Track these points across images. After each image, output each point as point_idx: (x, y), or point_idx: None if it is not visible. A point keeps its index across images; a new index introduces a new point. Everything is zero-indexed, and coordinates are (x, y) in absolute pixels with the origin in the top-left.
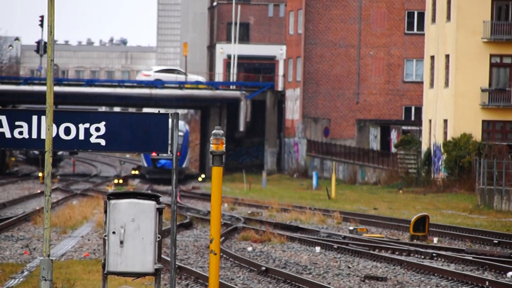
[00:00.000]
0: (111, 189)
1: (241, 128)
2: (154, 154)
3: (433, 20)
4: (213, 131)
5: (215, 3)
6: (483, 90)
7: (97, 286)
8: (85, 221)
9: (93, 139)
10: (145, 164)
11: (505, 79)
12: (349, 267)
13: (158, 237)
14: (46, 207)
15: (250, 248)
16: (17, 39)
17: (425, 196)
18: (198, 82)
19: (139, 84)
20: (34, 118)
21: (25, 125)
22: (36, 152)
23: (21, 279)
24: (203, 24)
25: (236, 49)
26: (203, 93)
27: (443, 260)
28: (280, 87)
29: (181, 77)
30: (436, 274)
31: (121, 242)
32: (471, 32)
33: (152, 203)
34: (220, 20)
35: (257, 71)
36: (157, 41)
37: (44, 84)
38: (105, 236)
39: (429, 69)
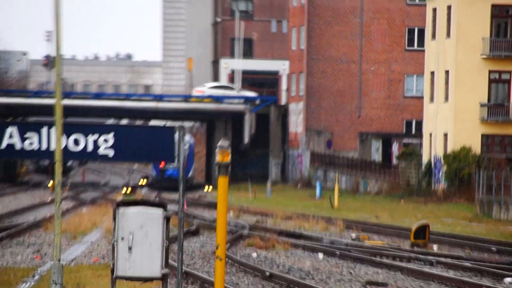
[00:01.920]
0: (119, 198)
1: (246, 140)
2: (162, 164)
3: (433, 36)
4: (219, 143)
5: (219, 19)
6: (482, 105)
7: None
8: (95, 227)
9: (101, 150)
10: (154, 174)
11: (503, 94)
12: (351, 273)
13: (166, 243)
14: (57, 214)
15: (255, 254)
16: (25, 53)
17: (426, 205)
18: (248, 97)
19: (145, 98)
20: (44, 130)
21: (35, 136)
22: (46, 162)
23: (32, 283)
24: (208, 40)
25: (240, 64)
26: (208, 106)
27: (442, 266)
28: (283, 101)
29: (232, 93)
30: (435, 280)
31: (130, 248)
32: (470, 49)
33: (159, 211)
34: (224, 35)
35: (261, 86)
36: (163, 55)
37: (53, 97)
38: (114, 242)
39: (429, 84)
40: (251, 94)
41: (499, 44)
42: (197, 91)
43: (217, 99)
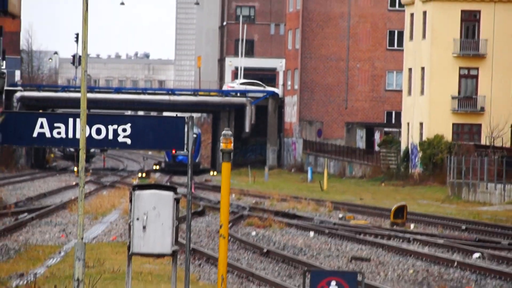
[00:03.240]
0: (135, 182)
1: (247, 130)
2: (173, 151)
3: (411, 38)
4: (223, 132)
5: (224, 23)
6: (453, 98)
7: (123, 265)
8: (113, 209)
9: (120, 139)
10: (166, 159)
11: (472, 88)
12: (338, 250)
13: (175, 223)
14: (80, 197)
15: (254, 233)
16: (55, 53)
17: (404, 188)
18: (269, 92)
19: (159, 92)
20: (70, 120)
21: (62, 126)
22: (72, 149)
23: (58, 259)
24: (215, 40)
25: (243, 62)
26: (214, 99)
27: (418, 243)
28: (280, 94)
29: (258, 88)
30: (412, 256)
31: (144, 227)
32: (443, 48)
33: (170, 193)
34: (229, 37)
35: (260, 81)
36: (175, 54)
37: (79, 91)
38: (130, 222)
39: (407, 79)
40: (273, 89)
41: (468, 44)
42: (229, 86)
43: (245, 92)
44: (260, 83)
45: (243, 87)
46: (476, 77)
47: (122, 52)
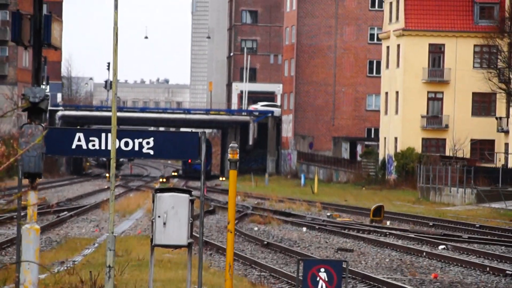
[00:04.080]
0: (157, 186)
1: (250, 143)
2: (189, 160)
3: (387, 66)
4: (230, 145)
5: (231, 54)
6: (422, 117)
7: (147, 255)
8: (139, 208)
9: (144, 150)
10: (183, 167)
11: (438, 109)
12: (326, 242)
13: (190, 220)
14: (111, 198)
15: (256, 228)
16: (90, 78)
17: (381, 191)
18: (269, 112)
19: (177, 111)
20: (103, 135)
21: (96, 140)
22: (104, 159)
23: (93, 249)
24: (223, 68)
25: (247, 86)
26: (223, 117)
27: (393, 237)
28: (278, 113)
29: (276, 109)
30: (388, 247)
31: (164, 223)
32: (414, 75)
33: (186, 196)
34: (235, 65)
35: (265, 107)
36: (191, 80)
37: (110, 111)
38: (153, 219)
39: (384, 101)
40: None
41: (435, 72)
42: (253, 108)
43: (265, 112)
44: (277, 104)
45: (264, 108)
46: (441, 99)
47: (146, 78)
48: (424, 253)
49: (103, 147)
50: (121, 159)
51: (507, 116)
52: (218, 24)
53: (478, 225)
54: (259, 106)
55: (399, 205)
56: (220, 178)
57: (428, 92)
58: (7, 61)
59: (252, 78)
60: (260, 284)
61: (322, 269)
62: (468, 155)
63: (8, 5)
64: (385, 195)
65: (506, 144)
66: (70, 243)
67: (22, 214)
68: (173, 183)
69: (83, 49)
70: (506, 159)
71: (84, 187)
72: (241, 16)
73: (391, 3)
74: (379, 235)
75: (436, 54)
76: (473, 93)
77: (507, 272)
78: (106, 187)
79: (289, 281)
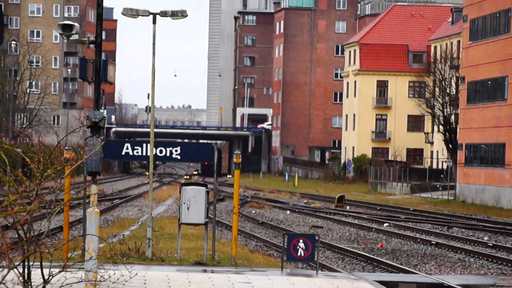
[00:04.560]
0: (183, 181)
1: (249, 150)
2: (206, 163)
3: (347, 96)
4: (235, 152)
5: (236, 87)
6: (372, 132)
7: (176, 230)
8: (169, 197)
9: (173, 155)
10: (202, 167)
11: (383, 126)
12: (304, 221)
13: (206, 205)
14: (150, 190)
15: (253, 211)
16: (135, 105)
17: (343, 185)
18: (263, 128)
19: (197, 128)
20: (144, 145)
21: (139, 148)
22: (145, 161)
23: (137, 226)
24: (230, 97)
25: (247, 110)
26: (230, 132)
27: (351, 217)
28: (269, 129)
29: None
30: (347, 225)
31: (188, 208)
32: (366, 103)
33: (203, 188)
34: (238, 95)
35: (257, 122)
36: (207, 106)
37: (149, 127)
38: (180, 205)
39: (345, 121)
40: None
41: (381, 100)
42: (260, 126)
43: (260, 129)
44: (270, 123)
45: (265, 126)
46: (385, 120)
47: (175, 104)
48: (373, 229)
49: (144, 154)
50: (156, 162)
51: (432, 132)
52: (227, 66)
53: (411, 209)
54: (265, 125)
55: (355, 195)
56: (228, 176)
57: (376, 114)
58: (76, 92)
59: (251, 104)
60: (257, 252)
61: (301, 241)
62: (404, 159)
63: (77, 52)
64: (345, 188)
65: (431, 152)
66: (120, 222)
67: (86, 201)
68: (194, 179)
69: (130, 83)
70: (431, 162)
71: (130, 182)
72: (243, 60)
73: (350, 51)
74: (341, 216)
75: (382, 87)
76: (408, 115)
77: (432, 242)
78: (146, 182)
79: (277, 249)
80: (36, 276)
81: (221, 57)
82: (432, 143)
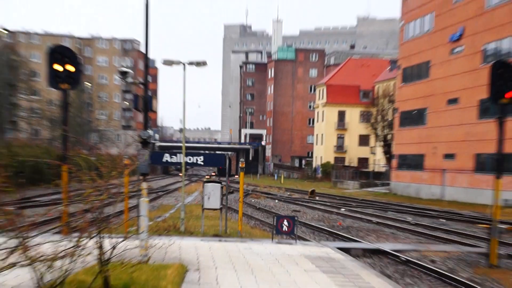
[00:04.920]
0: (205, 180)
1: (250, 158)
2: (220, 167)
3: (317, 121)
4: (240, 159)
5: (241, 115)
6: (334, 146)
7: (200, 213)
8: (196, 191)
9: (198, 162)
10: (218, 170)
11: (342, 142)
12: (287, 207)
13: (221, 196)
14: (182, 185)
15: (253, 200)
16: (171, 127)
17: (314, 183)
18: (260, 143)
19: (213, 143)
20: (178, 155)
21: (175, 157)
22: (179, 166)
23: (174, 210)
24: (237, 122)
25: (248, 131)
26: (236, 146)
27: (319, 204)
28: (264, 144)
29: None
30: (316, 210)
31: (208, 198)
32: (330, 126)
33: (219, 185)
34: (243, 120)
35: (255, 139)
36: (221, 127)
37: (181, 142)
38: (203, 196)
39: (316, 139)
40: (262, 143)
41: (340, 124)
42: (267, 144)
43: (257, 144)
44: (264, 140)
45: (263, 142)
46: (343, 138)
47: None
48: (334, 212)
49: (178, 160)
50: (187, 167)
51: (375, 146)
52: (235, 100)
53: (360, 199)
54: (263, 142)
55: (322, 189)
56: (235, 176)
57: (337, 134)
58: (131, 118)
59: (251, 127)
60: (255, 228)
61: (285, 220)
62: (356, 165)
63: (131, 90)
64: (315, 184)
65: (374, 160)
66: (163, 207)
67: (139, 193)
68: (213, 178)
69: (168, 111)
70: (374, 167)
71: (169, 180)
72: (246, 96)
73: (319, 90)
74: (312, 204)
75: (341, 115)
76: (359, 135)
77: (373, 221)
78: (180, 180)
79: (269, 226)
80: (106, 244)
81: (230, 94)
82: (375, 153)
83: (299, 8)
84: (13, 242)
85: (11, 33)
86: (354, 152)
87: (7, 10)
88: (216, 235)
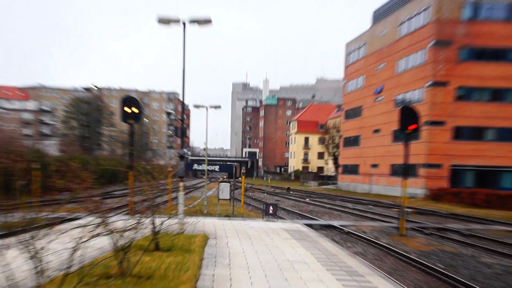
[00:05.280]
0: (220, 180)
1: (248, 167)
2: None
3: (292, 143)
4: (242, 168)
5: (243, 139)
6: (301, 159)
7: (216, 201)
8: (214, 187)
9: (215, 169)
10: (228, 174)
11: (307, 156)
12: (272, 198)
13: (230, 191)
14: (205, 184)
15: (250, 194)
16: (199, 146)
17: (289, 183)
18: (255, 157)
19: (225, 157)
20: (203, 164)
21: (201, 166)
22: (203, 172)
23: (199, 200)
24: (240, 144)
25: (247, 149)
26: (240, 159)
27: (293, 196)
28: (257, 158)
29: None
30: (291, 199)
31: (222, 192)
32: (300, 146)
33: (229, 183)
34: (243, 143)
35: (252, 154)
36: (230, 147)
37: (204, 157)
38: (218, 190)
39: (290, 155)
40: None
41: (306, 146)
42: (260, 158)
43: (253, 158)
44: (258, 155)
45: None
46: (308, 154)
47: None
48: (302, 201)
49: (203, 168)
50: (208, 172)
51: (327, 159)
52: (239, 129)
53: (318, 193)
54: (257, 157)
55: (294, 187)
56: (239, 178)
57: (304, 151)
58: (173, 142)
59: (249, 147)
60: (252, 211)
61: (271, 206)
62: (315, 171)
63: (173, 124)
64: (290, 184)
65: (327, 168)
66: (192, 198)
67: (178, 189)
68: (224, 180)
69: (197, 137)
70: (327, 172)
71: (197, 181)
72: (246, 127)
73: (292, 124)
74: (288, 196)
75: (306, 140)
76: (318, 152)
77: (326, 206)
78: (204, 181)
79: (261, 210)
80: (157, 221)
81: (236, 126)
82: (327, 164)
83: (281, 70)
84: (98, 220)
85: (99, 88)
86: (314, 163)
87: (97, 73)
88: (227, 216)
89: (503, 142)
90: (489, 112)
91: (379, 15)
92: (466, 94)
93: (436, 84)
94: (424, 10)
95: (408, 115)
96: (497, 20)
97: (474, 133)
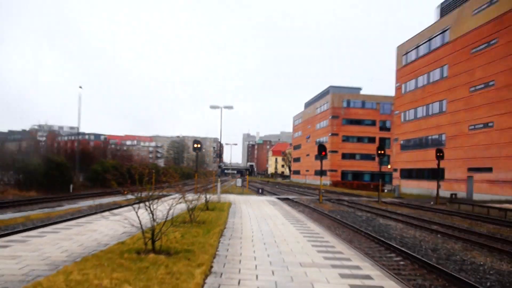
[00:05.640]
0: (237, 178)
1: (250, 171)
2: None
3: (270, 161)
4: (247, 171)
5: (246, 158)
6: (275, 168)
7: (235, 187)
8: (234, 181)
9: (235, 172)
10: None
11: (276, 166)
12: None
13: (242, 182)
14: (230, 179)
15: (251, 183)
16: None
17: (268, 179)
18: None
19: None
20: (229, 170)
21: (228, 171)
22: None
23: (228, 187)
24: (246, 161)
25: (249, 163)
26: (246, 167)
27: (270, 185)
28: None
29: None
30: (269, 186)
31: (238, 183)
32: (273, 162)
33: (241, 179)
34: (248, 160)
35: (251, 165)
36: (241, 161)
37: (230, 167)
38: (235, 182)
39: (269, 165)
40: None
41: (277, 161)
42: (255, 167)
43: (252, 166)
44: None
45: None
46: (277, 165)
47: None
48: (275, 187)
49: (228, 172)
50: (231, 173)
51: (285, 167)
52: (243, 151)
53: (282, 183)
54: (254, 166)
55: (271, 181)
56: (246, 176)
57: (275, 164)
58: (216, 161)
59: (251, 161)
60: (253, 192)
61: (260, 189)
62: (280, 173)
63: (216, 152)
64: (269, 179)
65: (286, 172)
66: (224, 186)
67: (217, 181)
68: (239, 177)
69: (226, 156)
70: (286, 173)
71: (227, 178)
72: (248, 153)
73: (269, 151)
74: (269, 185)
75: (277, 159)
76: (281, 164)
77: (285, 189)
78: (230, 179)
79: (256, 191)
80: (208, 196)
81: (243, 154)
82: (285, 169)
83: (265, 120)
84: (180, 195)
85: (183, 136)
86: (279, 169)
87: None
88: (240, 193)
89: (364, 160)
90: (357, 147)
91: (308, 104)
92: (346, 139)
93: (333, 134)
94: (326, 103)
95: (321, 148)
96: (358, 106)
97: (350, 156)
